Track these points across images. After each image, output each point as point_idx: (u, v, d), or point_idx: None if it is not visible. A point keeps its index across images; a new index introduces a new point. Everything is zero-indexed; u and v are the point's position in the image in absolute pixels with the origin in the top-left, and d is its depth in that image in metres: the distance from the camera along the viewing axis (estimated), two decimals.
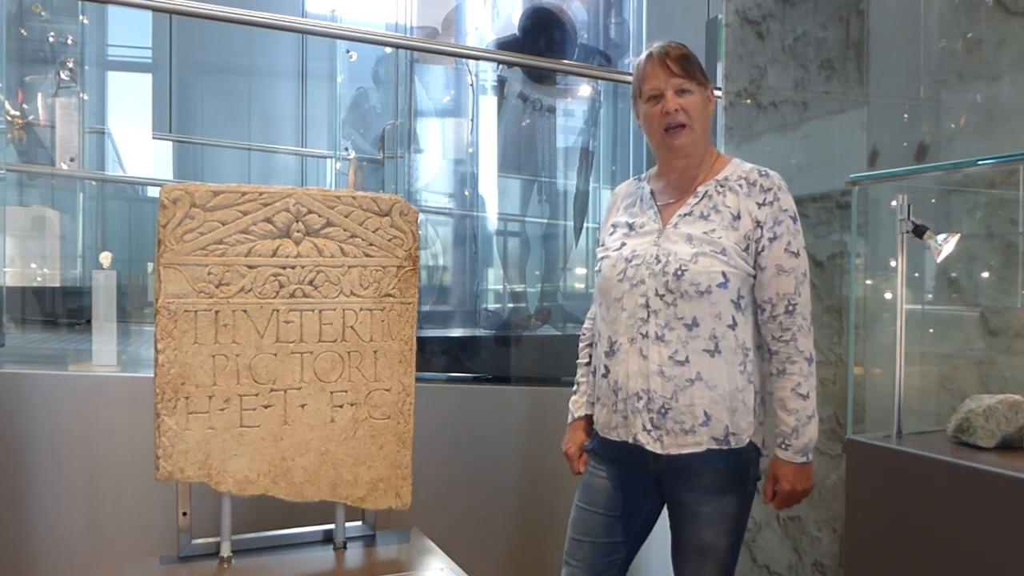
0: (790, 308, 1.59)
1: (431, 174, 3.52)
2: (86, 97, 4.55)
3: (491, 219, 3.50)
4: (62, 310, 3.78)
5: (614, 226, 1.74)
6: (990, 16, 1.98)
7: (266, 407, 1.69)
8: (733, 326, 1.58)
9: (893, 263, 1.83)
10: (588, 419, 1.78)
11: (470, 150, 3.44)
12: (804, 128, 2.41)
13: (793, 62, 2.43)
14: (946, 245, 1.76)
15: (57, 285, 3.89)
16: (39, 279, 3.81)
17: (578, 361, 1.84)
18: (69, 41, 4.42)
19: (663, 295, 1.57)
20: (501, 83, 3.41)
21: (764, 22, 2.51)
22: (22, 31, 4.29)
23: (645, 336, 1.58)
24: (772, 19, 2.49)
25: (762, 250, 1.59)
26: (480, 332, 3.20)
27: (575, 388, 1.83)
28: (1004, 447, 1.60)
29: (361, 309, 1.76)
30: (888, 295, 2.05)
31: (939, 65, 2.15)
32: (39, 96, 4.24)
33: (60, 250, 4.02)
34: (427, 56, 3.35)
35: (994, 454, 1.57)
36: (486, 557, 2.46)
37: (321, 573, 1.70)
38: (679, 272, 1.56)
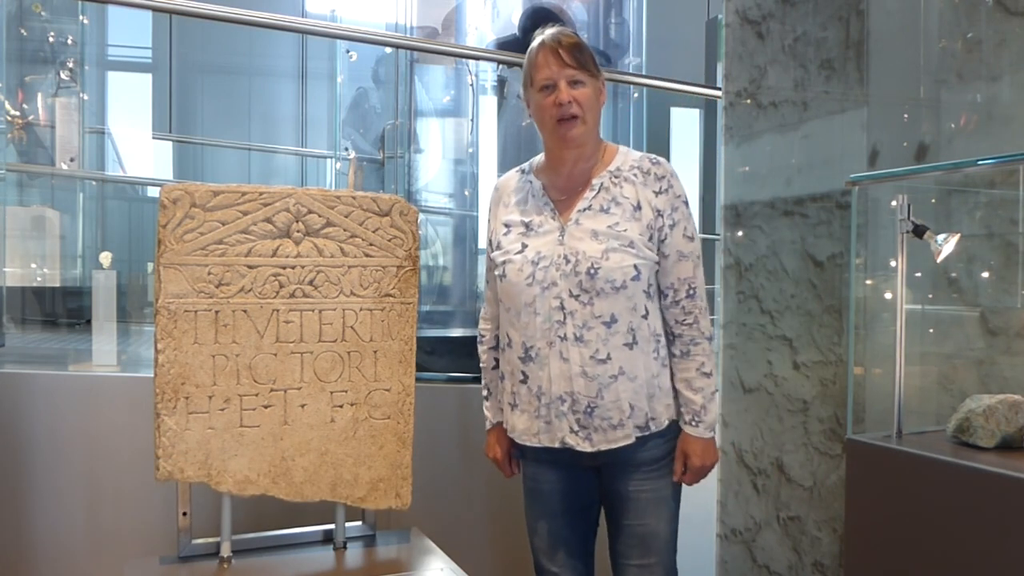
0: (691, 292, 1.63)
1: (431, 174, 3.52)
2: (86, 97, 4.54)
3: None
4: (62, 310, 3.78)
5: (507, 225, 1.69)
6: (990, 16, 1.98)
7: (266, 407, 1.69)
8: (646, 315, 1.60)
9: (893, 263, 1.83)
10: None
11: (470, 150, 3.44)
12: (804, 128, 2.41)
13: (793, 62, 2.43)
14: (946, 245, 1.76)
15: (57, 285, 3.89)
16: (39, 279, 3.80)
17: (482, 365, 1.82)
18: (69, 41, 4.42)
19: (578, 295, 1.56)
20: (501, 83, 3.41)
21: (764, 22, 2.51)
22: (22, 31, 4.29)
23: (564, 338, 1.57)
24: (772, 19, 2.49)
25: (664, 238, 1.61)
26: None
27: (486, 394, 1.81)
28: (1004, 447, 1.60)
29: (361, 309, 1.76)
30: (888, 295, 2.05)
31: (939, 65, 2.15)
32: (39, 96, 4.24)
33: (60, 250, 4.02)
34: (427, 56, 3.35)
35: (994, 454, 1.57)
36: (486, 557, 2.46)
37: (321, 573, 1.70)
38: (592, 271, 1.55)
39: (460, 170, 3.50)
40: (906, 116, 2.28)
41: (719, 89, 2.65)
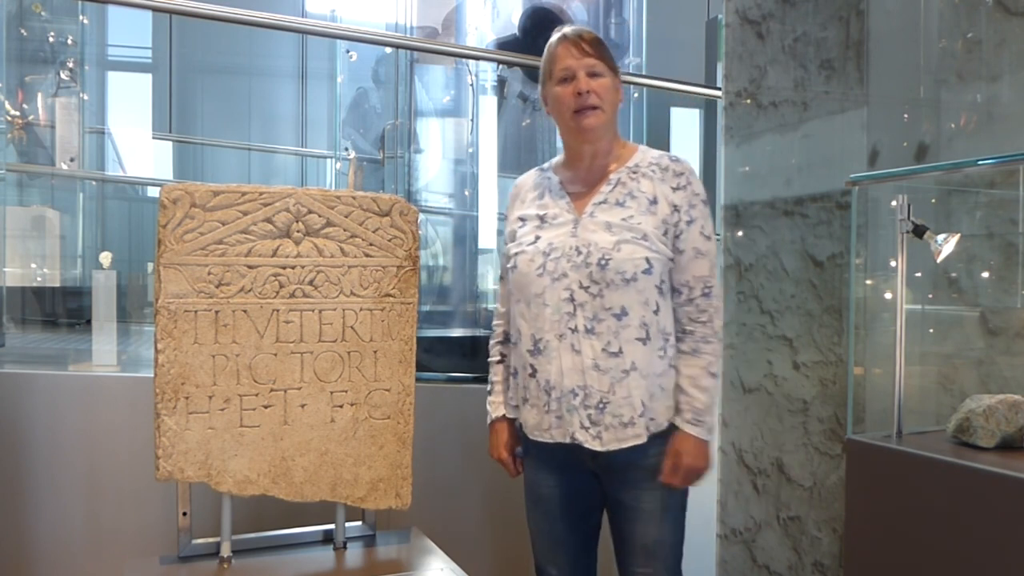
0: (706, 291, 1.60)
1: (431, 174, 3.52)
2: (86, 97, 4.54)
3: (491, 219, 3.49)
4: (62, 310, 3.78)
5: (522, 219, 1.70)
6: (990, 16, 1.98)
7: (266, 407, 1.69)
8: (657, 311, 1.58)
9: (893, 263, 1.83)
10: (509, 420, 1.76)
11: (470, 150, 3.44)
12: (804, 128, 2.41)
13: (793, 62, 2.43)
14: (946, 245, 1.76)
15: (57, 285, 3.89)
16: (39, 279, 3.80)
17: (490, 360, 1.81)
18: (69, 41, 4.42)
19: (588, 287, 1.55)
20: (501, 83, 3.41)
21: (764, 22, 2.51)
22: (22, 31, 4.29)
23: (575, 331, 1.56)
24: (772, 19, 2.49)
25: (680, 234, 1.59)
26: (480, 332, 3.20)
27: (490, 388, 1.80)
28: (1004, 447, 1.60)
29: (361, 309, 1.76)
30: (888, 295, 2.05)
31: (939, 65, 2.15)
32: (39, 96, 4.24)
33: (60, 250, 4.02)
34: (427, 56, 3.35)
35: (994, 454, 1.57)
36: (486, 557, 2.46)
37: (321, 573, 1.70)
38: (603, 262, 1.54)
39: (460, 170, 3.50)
40: (906, 116, 2.28)
41: (719, 89, 2.65)
